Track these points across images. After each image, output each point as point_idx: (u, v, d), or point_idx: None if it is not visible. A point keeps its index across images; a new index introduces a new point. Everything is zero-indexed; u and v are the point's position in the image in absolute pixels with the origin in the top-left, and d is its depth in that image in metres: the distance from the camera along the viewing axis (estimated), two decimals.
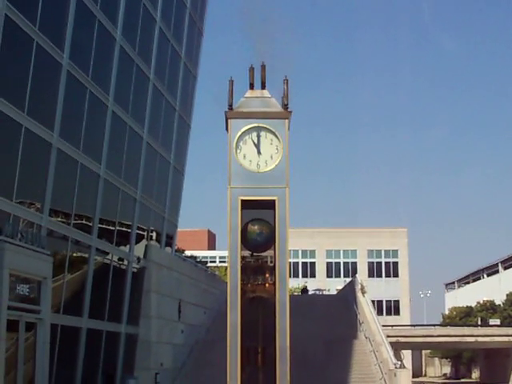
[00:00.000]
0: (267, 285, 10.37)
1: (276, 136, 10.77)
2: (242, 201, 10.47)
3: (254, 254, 10.53)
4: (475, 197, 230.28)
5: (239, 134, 10.79)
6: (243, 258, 10.48)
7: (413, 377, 42.54)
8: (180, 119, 44.56)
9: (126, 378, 35.07)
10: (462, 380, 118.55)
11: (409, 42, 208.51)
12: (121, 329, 35.96)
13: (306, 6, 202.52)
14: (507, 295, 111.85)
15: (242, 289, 10.11)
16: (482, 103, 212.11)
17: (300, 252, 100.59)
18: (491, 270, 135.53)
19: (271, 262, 10.52)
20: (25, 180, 27.14)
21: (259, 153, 10.77)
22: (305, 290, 78.59)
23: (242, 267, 10.34)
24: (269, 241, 10.36)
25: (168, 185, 42.94)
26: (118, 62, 34.72)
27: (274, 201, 10.49)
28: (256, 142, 10.81)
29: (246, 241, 10.36)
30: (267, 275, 10.44)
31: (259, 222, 10.48)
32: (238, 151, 10.71)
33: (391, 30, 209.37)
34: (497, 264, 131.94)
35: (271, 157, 10.72)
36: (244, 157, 10.69)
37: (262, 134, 10.88)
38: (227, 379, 9.95)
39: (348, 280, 69.13)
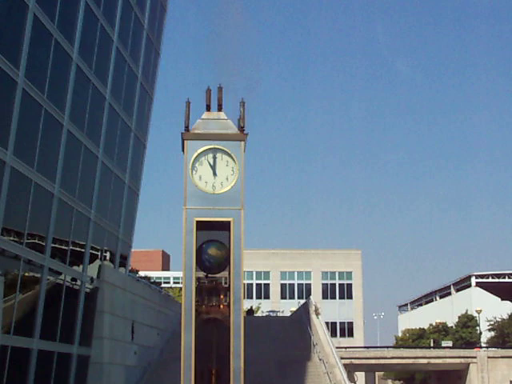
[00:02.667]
0: (222, 306, 10.38)
1: (232, 158, 10.84)
2: (198, 222, 10.49)
3: (209, 275, 10.52)
4: (429, 220, 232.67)
5: (195, 155, 10.83)
6: (198, 279, 10.48)
7: None
8: (136, 139, 44.44)
9: None
10: None
11: (363, 67, 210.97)
12: (73, 350, 35.54)
13: (264, 31, 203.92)
14: (459, 317, 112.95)
15: (196, 310, 10.11)
16: (435, 128, 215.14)
17: (254, 273, 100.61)
18: (444, 292, 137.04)
19: (225, 283, 10.53)
20: None
21: (215, 174, 10.82)
22: (250, 311, 78.18)
23: (196, 288, 10.33)
24: (223, 262, 10.38)
25: (123, 205, 42.71)
26: (74, 80, 34.53)
27: (229, 222, 10.53)
28: (212, 163, 10.86)
29: (201, 262, 10.37)
30: (222, 296, 10.45)
31: (214, 244, 10.49)
32: (194, 172, 10.74)
33: (346, 56, 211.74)
34: (449, 286, 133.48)
35: (227, 178, 10.77)
36: (200, 178, 10.73)
37: (218, 155, 10.94)
38: None
39: (302, 301, 69.21)
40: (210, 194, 10.69)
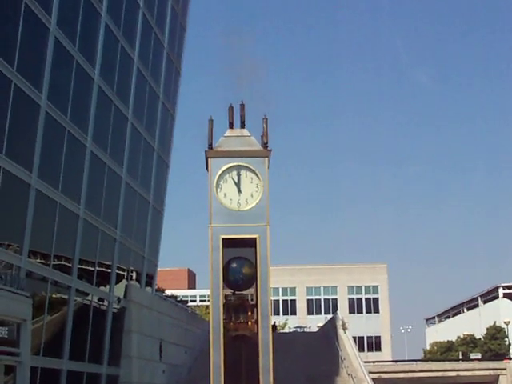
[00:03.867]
0: (249, 323, 10.39)
1: (256, 174, 10.87)
2: (224, 239, 10.51)
3: (236, 292, 10.53)
4: (455, 232, 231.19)
5: (219, 172, 10.87)
6: (225, 296, 10.49)
7: None
8: (159, 159, 44.64)
9: None
10: None
11: (387, 79, 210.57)
12: (102, 370, 35.63)
13: (286, 45, 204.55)
14: (487, 329, 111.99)
15: (224, 327, 10.11)
16: (461, 139, 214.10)
17: (280, 290, 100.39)
18: (471, 304, 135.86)
19: (252, 300, 10.53)
20: (3, 221, 27.03)
21: (240, 191, 10.85)
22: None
23: (224, 305, 10.33)
24: (250, 279, 10.39)
25: (147, 224, 42.87)
26: (96, 102, 34.78)
27: (255, 239, 10.53)
28: (236, 180, 10.91)
29: (228, 279, 10.38)
30: (249, 313, 10.46)
31: (241, 261, 10.51)
32: (219, 190, 10.79)
33: (370, 69, 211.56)
34: (476, 298, 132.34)
35: (252, 195, 10.80)
36: (225, 195, 10.76)
37: (243, 172, 10.98)
38: None
39: (329, 317, 69.02)
40: (235, 211, 10.73)
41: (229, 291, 10.55)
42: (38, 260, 30.09)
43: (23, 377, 25.75)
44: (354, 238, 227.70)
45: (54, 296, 31.75)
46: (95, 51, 34.94)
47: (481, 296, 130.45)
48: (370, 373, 46.26)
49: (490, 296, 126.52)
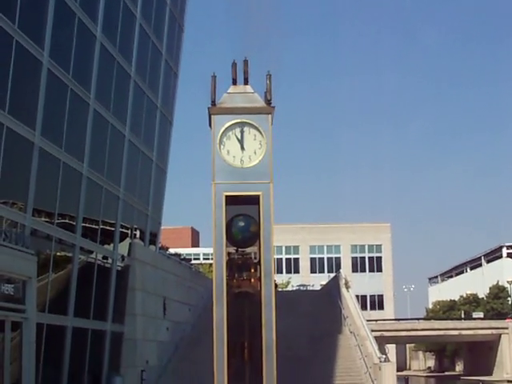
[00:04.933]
0: (252, 280, 10.39)
1: (259, 131, 10.79)
2: (227, 196, 10.47)
3: (239, 249, 10.54)
4: (458, 191, 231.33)
5: (222, 129, 10.78)
6: (228, 254, 10.49)
7: (397, 370, 42.67)
8: (162, 116, 44.46)
9: (112, 376, 35.03)
10: (446, 373, 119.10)
11: (392, 38, 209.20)
12: (106, 327, 35.90)
13: (289, 3, 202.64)
14: (490, 288, 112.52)
15: (227, 284, 10.13)
16: (465, 98, 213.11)
17: (284, 248, 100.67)
18: (474, 264, 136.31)
19: (255, 258, 10.54)
20: (7, 180, 27.03)
21: (243, 148, 10.78)
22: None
23: (227, 263, 10.35)
24: (254, 236, 10.38)
25: (151, 182, 42.87)
26: (98, 59, 34.58)
27: (258, 196, 10.49)
28: (239, 137, 10.82)
29: (231, 237, 10.37)
30: (252, 271, 10.46)
31: (244, 218, 10.49)
32: (222, 147, 10.71)
33: (375, 26, 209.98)
34: (480, 258, 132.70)
35: (255, 152, 10.73)
36: (228, 152, 10.69)
37: (246, 129, 10.88)
38: (214, 374, 9.97)
39: (332, 275, 69.27)
40: (239, 169, 10.66)
41: (232, 249, 10.54)
42: (43, 218, 30.18)
43: (29, 333, 25.96)
44: (358, 197, 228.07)
45: (58, 254, 31.89)
46: (97, 8, 34.64)
47: (484, 255, 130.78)
48: (373, 331, 46.55)
49: (493, 255, 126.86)
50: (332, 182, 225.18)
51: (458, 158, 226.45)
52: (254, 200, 10.60)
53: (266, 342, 10.04)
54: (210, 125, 10.85)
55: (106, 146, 36.32)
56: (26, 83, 28.93)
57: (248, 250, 10.69)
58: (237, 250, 10.52)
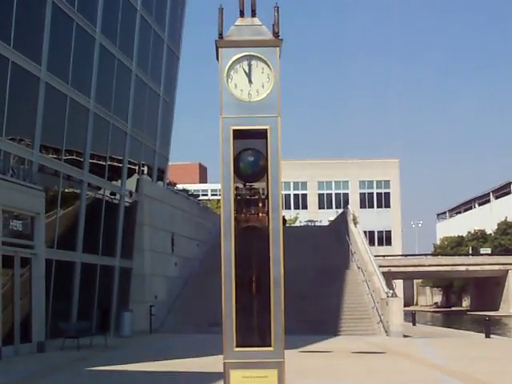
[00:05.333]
0: (260, 215, 10.30)
1: (267, 64, 10.56)
2: (234, 131, 10.31)
3: (247, 184, 10.43)
4: (468, 127, 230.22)
5: (230, 63, 10.56)
6: (236, 188, 10.37)
7: (404, 306, 42.90)
8: (168, 50, 44.02)
9: (121, 311, 35.36)
10: (453, 308, 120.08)
11: None
12: (115, 262, 36.15)
13: None
14: (498, 224, 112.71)
15: (235, 219, 10.05)
16: (479, 29, 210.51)
17: (292, 184, 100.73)
18: (483, 200, 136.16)
19: (263, 193, 10.43)
20: (14, 116, 26.92)
21: (250, 82, 10.57)
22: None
23: (235, 198, 10.24)
24: (262, 171, 10.25)
25: (158, 118, 42.68)
26: None
27: (266, 130, 10.33)
28: (247, 70, 10.60)
29: (240, 171, 10.25)
30: (260, 205, 10.37)
31: (253, 153, 10.35)
32: (229, 80, 10.50)
33: None
34: (488, 193, 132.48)
35: (263, 86, 10.52)
36: (235, 86, 10.49)
37: (253, 62, 10.65)
38: (222, 309, 9.96)
39: (340, 211, 69.38)
40: (246, 102, 10.47)
41: (239, 184, 10.44)
42: (50, 154, 30.15)
43: (38, 269, 26.15)
44: (367, 132, 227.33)
45: (66, 190, 31.93)
46: None
47: (493, 191, 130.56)
48: (380, 266, 46.75)
49: (501, 191, 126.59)
50: (341, 118, 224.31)
51: (469, 92, 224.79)
52: (262, 134, 10.43)
53: (273, 276, 10.00)
54: (217, 58, 10.63)
55: (112, 81, 36.06)
56: (31, 17, 28.60)
57: (256, 185, 10.56)
58: (244, 185, 10.39)
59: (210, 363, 18.48)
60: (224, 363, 10.22)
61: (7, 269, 24.51)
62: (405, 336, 35.31)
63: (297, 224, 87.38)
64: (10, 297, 24.71)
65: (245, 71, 10.66)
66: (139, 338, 33.20)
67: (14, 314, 24.83)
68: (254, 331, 10.40)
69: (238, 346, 10.18)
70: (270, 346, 10.20)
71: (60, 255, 30.10)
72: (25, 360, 23.07)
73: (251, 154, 10.41)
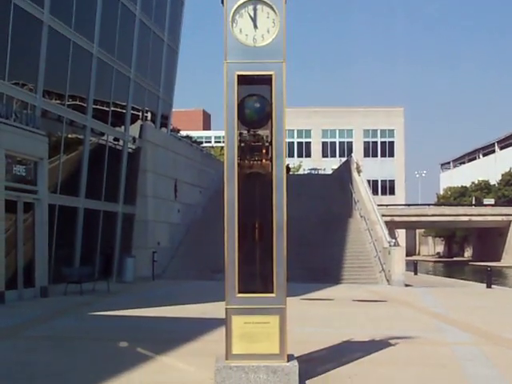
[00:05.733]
0: (264, 161, 10.24)
1: (273, 9, 10.42)
2: (239, 76, 10.21)
3: (251, 130, 10.35)
4: (473, 76, 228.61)
5: (235, 7, 10.42)
6: (240, 134, 10.31)
7: (406, 255, 43.02)
8: None
9: (124, 257, 35.49)
10: (455, 259, 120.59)
11: None
12: (118, 208, 36.19)
13: None
14: (502, 175, 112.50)
15: (238, 165, 9.99)
16: None
17: (295, 132, 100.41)
18: (487, 150, 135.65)
19: (267, 141, 10.36)
20: (17, 60, 26.71)
21: (255, 27, 10.44)
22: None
23: (238, 144, 10.19)
24: (266, 116, 10.17)
25: (162, 63, 42.36)
26: None
27: (270, 76, 10.23)
28: (252, 15, 10.46)
29: (243, 116, 10.17)
30: (264, 152, 10.31)
31: (259, 99, 10.26)
32: (234, 25, 10.37)
33: None
34: (493, 144, 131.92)
35: (268, 31, 10.40)
36: (240, 31, 10.36)
37: (259, 7, 10.52)
38: (224, 255, 9.96)
39: (343, 160, 69.24)
40: (251, 48, 10.35)
41: (243, 130, 10.37)
42: (53, 99, 29.98)
43: (41, 214, 26.17)
44: (372, 80, 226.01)
45: (69, 136, 31.85)
46: None
47: (497, 142, 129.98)
48: (383, 216, 46.76)
49: (506, 142, 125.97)
50: (346, 65, 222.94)
51: (474, 39, 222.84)
52: (266, 80, 10.33)
53: (276, 222, 9.98)
54: (222, 2, 10.49)
55: (116, 26, 35.72)
56: None
57: (260, 131, 10.49)
58: (248, 131, 10.32)
59: (212, 309, 18.58)
60: (226, 309, 10.27)
61: (10, 214, 24.53)
62: (406, 285, 35.46)
63: (300, 172, 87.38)
64: (13, 242, 24.77)
65: (250, 16, 10.53)
66: (141, 284, 33.38)
67: (17, 259, 24.92)
68: (256, 278, 10.43)
69: (240, 292, 10.22)
70: (271, 292, 10.23)
71: (63, 201, 30.13)
72: (28, 304, 23.21)
73: (257, 100, 10.32)
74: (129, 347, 14.03)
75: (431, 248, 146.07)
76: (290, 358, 10.36)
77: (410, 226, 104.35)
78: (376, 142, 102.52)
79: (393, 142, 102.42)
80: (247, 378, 10.04)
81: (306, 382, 10.45)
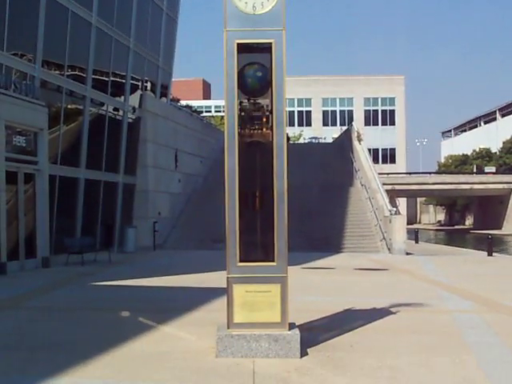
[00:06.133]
0: (264, 129, 10.19)
1: None
2: (238, 44, 10.13)
3: (251, 99, 10.29)
4: (475, 42, 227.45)
5: None
6: (240, 103, 10.25)
7: (407, 224, 42.95)
8: None
9: (125, 227, 35.55)
10: (456, 227, 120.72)
11: None
12: (118, 179, 36.15)
13: None
14: (504, 143, 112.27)
15: (239, 134, 9.94)
16: None
17: (296, 101, 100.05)
18: (488, 118, 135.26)
19: (267, 110, 10.30)
20: (15, 30, 26.54)
21: None
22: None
23: (238, 113, 10.13)
24: (266, 85, 10.10)
25: (161, 33, 42.09)
26: None
27: (270, 44, 10.15)
28: None
29: (243, 85, 10.11)
30: (264, 120, 10.25)
31: (260, 67, 10.18)
32: None
33: None
34: (494, 111, 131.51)
35: None
36: None
37: None
38: (226, 224, 9.95)
39: (344, 128, 69.09)
40: (251, 15, 10.26)
41: (244, 99, 10.31)
42: (52, 70, 29.83)
43: (42, 184, 26.18)
44: (372, 48, 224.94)
45: (69, 106, 31.74)
46: None
47: (499, 109, 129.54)
48: (384, 184, 46.73)
49: (508, 110, 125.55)
50: (346, 33, 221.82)
51: (478, 7, 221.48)
52: (266, 49, 10.25)
53: (277, 191, 9.95)
54: None
55: None
56: None
57: (260, 100, 10.43)
58: (249, 100, 10.26)
59: (214, 279, 18.61)
60: (227, 278, 10.27)
61: (11, 185, 24.53)
62: (407, 253, 35.53)
63: (301, 141, 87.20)
64: (14, 213, 24.79)
65: None
66: (143, 254, 33.45)
67: (18, 230, 24.96)
68: (257, 246, 10.42)
69: (241, 261, 10.21)
70: (273, 261, 10.23)
71: (63, 171, 30.09)
72: (30, 275, 23.27)
73: (257, 69, 10.25)
74: (130, 317, 14.07)
75: (432, 216, 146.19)
76: (292, 326, 10.38)
77: (411, 195, 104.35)
78: (377, 111, 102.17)
79: (393, 111, 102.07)
80: (249, 347, 10.07)
81: (308, 350, 10.47)
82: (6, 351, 10.94)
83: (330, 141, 73.78)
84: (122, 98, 36.73)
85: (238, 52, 10.21)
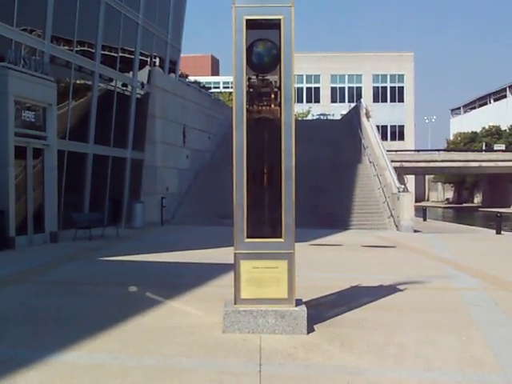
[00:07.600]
0: (273, 105, 10.17)
1: None
2: (247, 20, 10.09)
3: (260, 75, 10.26)
4: (484, 18, 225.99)
5: None
6: (248, 79, 10.22)
7: (415, 201, 42.95)
8: None
9: (133, 202, 35.61)
10: (464, 205, 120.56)
11: None
12: (126, 154, 36.17)
13: None
14: None
15: (247, 110, 9.92)
16: None
17: (304, 77, 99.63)
18: (498, 95, 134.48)
19: (276, 86, 10.28)
20: (24, 6, 26.48)
21: None
22: None
23: (247, 89, 10.11)
24: (275, 61, 10.07)
25: (170, 8, 41.92)
26: None
27: (279, 20, 10.11)
28: None
29: (252, 61, 10.08)
30: (273, 97, 10.23)
31: (265, 42, 10.15)
32: None
33: None
34: (505, 89, 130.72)
35: None
36: None
37: None
38: (233, 200, 9.96)
39: (353, 105, 68.89)
40: None
41: (252, 75, 10.27)
42: (62, 45, 29.78)
43: (51, 160, 26.23)
44: (381, 24, 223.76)
45: (78, 82, 31.70)
46: None
47: (509, 87, 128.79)
48: (392, 161, 46.67)
49: None
50: (355, 9, 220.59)
51: None
52: (275, 25, 10.21)
53: (285, 167, 9.96)
54: None
55: None
56: None
57: (268, 77, 10.40)
58: (257, 76, 10.23)
59: (221, 254, 18.66)
60: (235, 254, 10.29)
61: (20, 160, 24.59)
62: (415, 231, 35.53)
63: (309, 117, 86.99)
64: (23, 188, 24.87)
65: None
66: (150, 230, 33.53)
67: (27, 205, 25.05)
68: (264, 223, 10.43)
69: (248, 237, 10.22)
70: (280, 237, 10.24)
71: (72, 146, 30.11)
72: (38, 249, 23.38)
73: (266, 45, 10.20)
74: (138, 292, 14.14)
75: (440, 194, 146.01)
76: (299, 302, 10.41)
77: (420, 172, 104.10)
78: (385, 87, 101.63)
79: (402, 87, 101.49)
80: (256, 322, 10.11)
81: (315, 326, 10.51)
82: (14, 325, 11.02)
83: (339, 117, 73.57)
84: (131, 73, 36.68)
85: (247, 28, 10.18)
